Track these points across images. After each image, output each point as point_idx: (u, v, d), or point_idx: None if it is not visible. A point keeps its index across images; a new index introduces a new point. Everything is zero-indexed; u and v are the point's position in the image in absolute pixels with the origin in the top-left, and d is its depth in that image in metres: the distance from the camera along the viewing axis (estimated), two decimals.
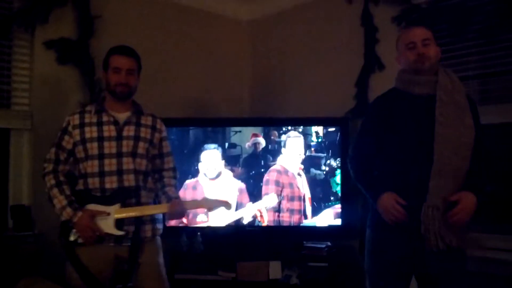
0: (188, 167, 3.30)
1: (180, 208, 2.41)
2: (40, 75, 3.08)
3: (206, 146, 3.32)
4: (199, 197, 3.16)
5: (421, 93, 2.14)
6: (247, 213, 3.26)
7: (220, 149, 3.31)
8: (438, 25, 2.86)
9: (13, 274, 2.54)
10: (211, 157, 3.30)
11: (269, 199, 3.25)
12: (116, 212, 2.29)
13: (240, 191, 3.28)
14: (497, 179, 2.75)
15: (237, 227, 3.26)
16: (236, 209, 3.25)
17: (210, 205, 2.46)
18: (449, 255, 2.04)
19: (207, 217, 3.26)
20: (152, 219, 2.43)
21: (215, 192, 3.25)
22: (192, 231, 3.24)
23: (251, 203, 3.27)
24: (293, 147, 3.29)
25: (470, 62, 2.90)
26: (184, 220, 3.23)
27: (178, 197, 2.52)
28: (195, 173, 3.30)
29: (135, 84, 2.45)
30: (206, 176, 3.28)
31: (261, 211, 3.25)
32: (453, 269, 2.07)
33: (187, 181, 3.28)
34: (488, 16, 2.77)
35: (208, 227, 3.26)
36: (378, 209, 2.13)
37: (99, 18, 3.25)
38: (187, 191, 3.25)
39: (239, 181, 3.30)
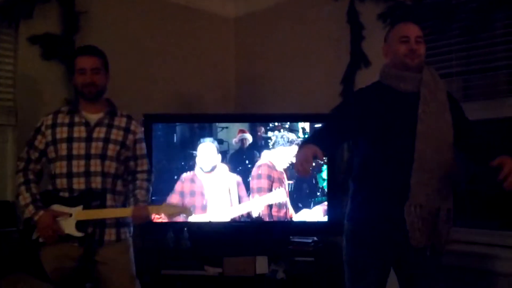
0: (177, 163, 3.30)
1: (143, 213, 2.37)
2: (25, 71, 3.05)
3: (202, 139, 3.32)
4: (197, 190, 3.22)
5: (406, 90, 2.15)
6: (255, 207, 3.27)
7: (216, 142, 3.32)
8: (423, 22, 2.88)
9: None
10: (206, 151, 3.31)
11: (278, 194, 3.26)
12: (78, 213, 2.30)
13: (238, 184, 3.30)
14: (479, 175, 2.81)
15: (223, 223, 3.27)
16: (239, 202, 3.27)
17: (170, 211, 2.44)
18: (426, 250, 2.06)
19: (206, 209, 3.27)
20: (117, 223, 2.41)
21: (212, 185, 3.27)
22: (179, 227, 3.23)
23: (258, 196, 3.27)
24: (280, 144, 3.31)
25: (453, 59, 2.93)
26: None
27: (146, 201, 2.47)
28: (182, 168, 3.30)
29: (102, 82, 2.42)
30: (202, 169, 3.29)
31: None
32: (429, 263, 2.10)
33: (184, 174, 3.29)
34: (471, 14, 2.80)
35: (195, 223, 3.26)
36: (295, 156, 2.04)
37: (84, 14, 3.23)
38: (185, 184, 3.26)
39: (235, 175, 3.31)
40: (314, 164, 2.01)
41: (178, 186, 3.27)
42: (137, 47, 3.58)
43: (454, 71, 2.92)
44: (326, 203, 3.26)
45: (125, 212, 2.39)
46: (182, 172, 3.30)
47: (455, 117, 2.13)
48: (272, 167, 3.29)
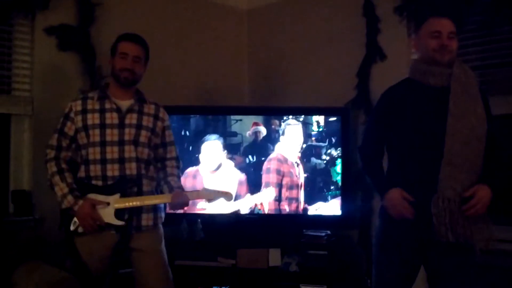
0: (189, 156, 3.31)
1: (183, 199, 2.40)
2: (41, 61, 3.07)
3: (206, 137, 3.30)
4: (198, 186, 3.18)
5: (435, 85, 2.12)
6: (244, 205, 3.26)
7: (221, 139, 3.31)
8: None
9: (14, 259, 2.56)
10: (211, 149, 3.29)
11: (267, 193, 3.25)
12: (116, 202, 2.30)
13: (240, 182, 3.28)
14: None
15: (237, 215, 3.27)
16: (235, 200, 3.25)
17: (210, 196, 2.45)
18: (458, 248, 2.04)
19: (205, 208, 3.27)
20: (154, 208, 2.42)
21: (214, 184, 3.24)
22: (193, 218, 3.25)
23: (249, 195, 3.27)
24: (292, 135, 3.29)
25: (470, 53, 2.91)
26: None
27: (180, 187, 2.49)
28: (196, 161, 3.30)
29: (140, 72, 2.43)
30: (206, 168, 3.28)
31: (262, 203, 3.27)
32: (462, 262, 2.08)
33: (188, 169, 3.28)
34: (488, 7, 2.78)
35: (209, 215, 3.27)
36: (385, 204, 2.14)
37: (99, 5, 3.23)
38: (187, 179, 3.25)
39: (240, 172, 3.30)
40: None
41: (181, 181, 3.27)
42: (151, 39, 3.51)
43: (471, 66, 2.87)
44: (340, 197, 3.25)
45: (164, 199, 2.40)
46: (195, 164, 3.30)
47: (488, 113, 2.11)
48: (282, 161, 3.28)
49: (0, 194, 2.99)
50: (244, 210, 3.27)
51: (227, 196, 2.46)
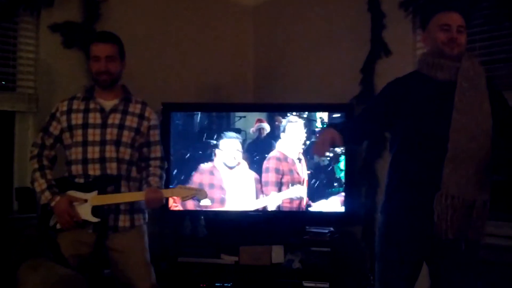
0: (194, 153, 3.31)
1: (156, 195, 2.36)
2: (46, 59, 3.09)
3: (226, 134, 3.30)
4: (216, 183, 3.21)
5: (443, 79, 2.09)
6: (272, 202, 3.26)
7: (240, 138, 3.30)
8: None
9: (18, 256, 2.57)
10: (231, 146, 3.30)
11: (295, 190, 3.24)
12: (93, 199, 2.31)
13: (256, 180, 3.29)
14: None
15: (240, 212, 3.27)
16: (257, 197, 3.27)
17: (186, 193, 2.41)
18: (459, 244, 2.01)
19: (224, 203, 3.27)
20: (131, 209, 2.41)
21: (232, 181, 3.26)
22: (196, 215, 3.25)
23: (275, 192, 3.26)
24: (293, 132, 3.28)
25: (477, 48, 2.87)
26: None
27: (159, 187, 2.46)
28: (199, 158, 3.31)
29: (116, 70, 2.40)
30: (225, 164, 3.28)
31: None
32: (464, 257, 2.05)
33: (202, 165, 3.28)
34: (495, 2, 2.73)
35: (212, 212, 3.28)
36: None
37: (104, 2, 3.25)
38: (204, 176, 3.26)
39: (253, 172, 3.30)
40: (332, 149, 2.01)
41: (196, 177, 3.27)
42: (156, 35, 3.59)
43: (478, 61, 2.85)
44: (343, 193, 3.24)
45: (139, 196, 2.38)
46: (200, 162, 3.30)
47: (496, 106, 2.06)
48: (281, 159, 3.26)
49: (4, 191, 3.02)
50: (271, 207, 3.27)
51: (201, 193, 2.43)
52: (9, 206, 2.98)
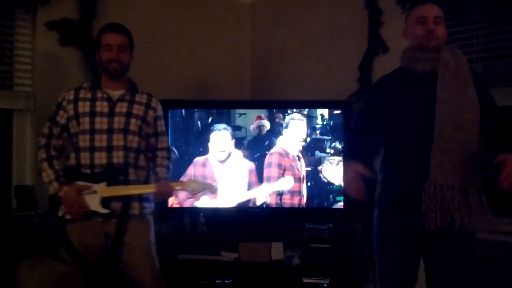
0: (194, 149, 3.31)
1: (167, 189, 2.41)
2: (43, 56, 3.07)
3: (215, 126, 3.31)
4: (208, 174, 3.21)
5: (424, 71, 2.11)
6: (260, 194, 3.26)
7: (229, 129, 3.30)
8: (443, 7, 2.83)
9: (17, 254, 2.56)
10: (220, 139, 3.30)
11: (285, 182, 3.24)
12: (102, 190, 2.32)
13: (250, 171, 3.29)
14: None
15: (239, 209, 3.27)
16: (248, 189, 3.27)
17: (194, 187, 2.43)
18: (455, 237, 2.02)
19: (214, 197, 3.25)
20: (140, 197, 2.43)
21: (224, 174, 3.27)
22: (195, 212, 3.25)
23: (266, 184, 3.27)
24: (295, 129, 3.29)
25: (474, 44, 2.88)
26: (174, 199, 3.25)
27: (167, 178, 2.51)
28: (199, 154, 3.31)
29: (127, 60, 2.45)
30: (215, 157, 3.29)
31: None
32: (459, 251, 2.06)
33: (197, 158, 3.29)
34: None
35: (211, 209, 3.28)
36: (344, 181, 2.10)
37: (101, 0, 3.23)
38: (197, 168, 3.27)
39: (249, 161, 3.30)
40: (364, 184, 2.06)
41: (189, 170, 3.28)
42: (153, 33, 3.58)
43: (475, 57, 2.86)
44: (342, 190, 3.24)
45: (149, 188, 2.41)
46: (204, 155, 3.30)
47: (480, 95, 2.07)
48: (284, 155, 3.27)
49: (3, 189, 3.01)
50: (260, 200, 3.27)
51: (211, 187, 2.46)
52: (8, 204, 2.97)
